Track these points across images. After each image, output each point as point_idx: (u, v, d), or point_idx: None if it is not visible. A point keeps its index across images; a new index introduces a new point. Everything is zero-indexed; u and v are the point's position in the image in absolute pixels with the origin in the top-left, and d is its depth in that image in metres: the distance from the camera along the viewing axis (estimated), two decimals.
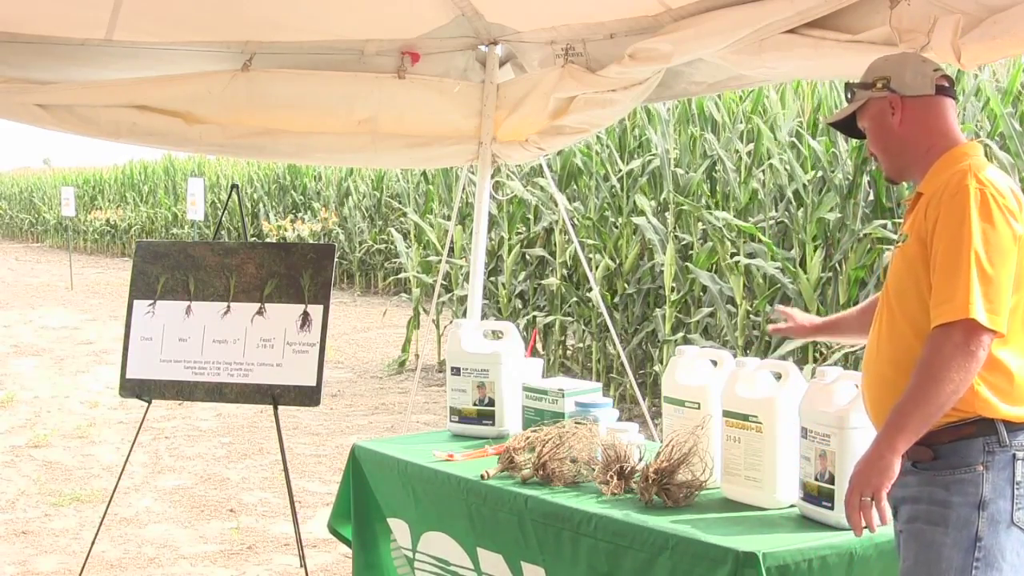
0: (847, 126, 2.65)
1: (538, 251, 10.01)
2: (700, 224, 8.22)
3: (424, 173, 13.07)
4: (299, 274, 4.49)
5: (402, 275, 12.10)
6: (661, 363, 8.06)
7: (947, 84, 2.51)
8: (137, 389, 4.61)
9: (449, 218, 11.05)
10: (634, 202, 8.85)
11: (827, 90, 7.82)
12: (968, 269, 2.25)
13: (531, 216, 10.27)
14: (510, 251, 10.18)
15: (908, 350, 2.36)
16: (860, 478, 2.32)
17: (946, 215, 2.31)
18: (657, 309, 8.47)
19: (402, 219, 13.28)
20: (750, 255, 7.61)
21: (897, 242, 2.49)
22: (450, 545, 3.32)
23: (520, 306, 10.33)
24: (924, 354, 2.28)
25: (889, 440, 2.30)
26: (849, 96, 2.61)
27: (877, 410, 2.45)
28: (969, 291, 2.24)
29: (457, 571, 3.29)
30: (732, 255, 7.66)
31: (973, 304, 2.23)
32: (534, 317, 9.89)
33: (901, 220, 2.77)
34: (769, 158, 7.75)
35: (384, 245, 17.23)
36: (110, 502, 4.80)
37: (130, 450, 4.89)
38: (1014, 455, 2.32)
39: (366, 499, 3.66)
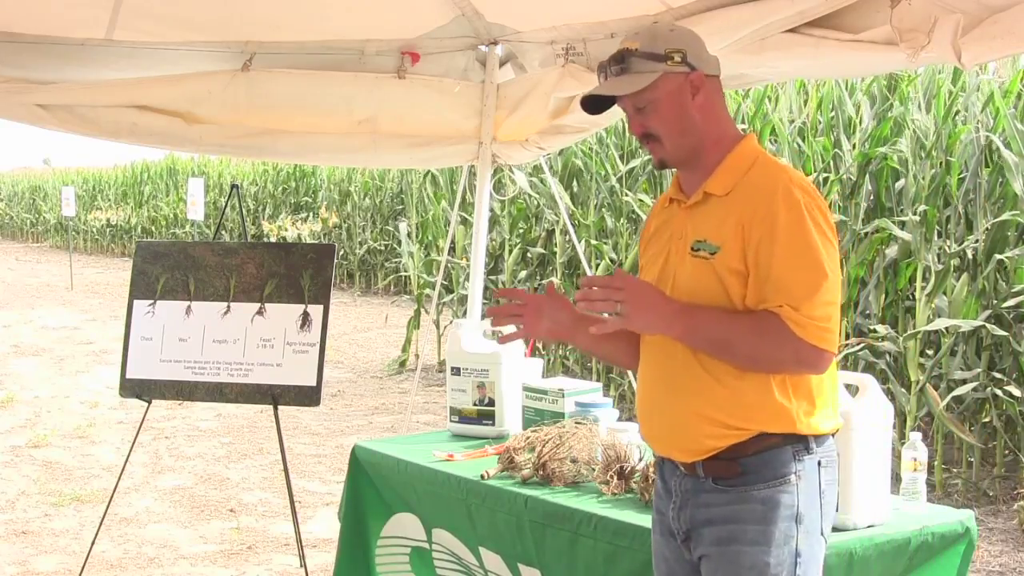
0: (595, 98, 2.33)
1: (539, 250, 10.00)
2: None
3: (430, 172, 13.07)
4: (299, 274, 4.49)
5: (404, 273, 12.10)
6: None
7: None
8: (137, 389, 4.61)
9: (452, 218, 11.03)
10: (633, 202, 8.85)
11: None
12: (834, 299, 2.16)
13: (532, 216, 10.27)
14: (511, 251, 10.18)
15: (707, 361, 2.22)
16: (642, 293, 2.18)
17: (788, 237, 2.14)
18: None
19: (405, 218, 13.28)
20: None
21: (698, 250, 2.23)
22: (456, 543, 3.32)
23: None
24: (776, 338, 2.13)
25: (687, 320, 2.17)
26: (622, 63, 2.24)
27: (677, 436, 2.28)
28: (836, 325, 2.17)
29: (470, 566, 3.29)
30: None
31: (835, 340, 2.18)
32: None
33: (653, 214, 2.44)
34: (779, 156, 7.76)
35: (385, 245, 17.23)
36: (110, 502, 4.80)
37: (130, 450, 4.89)
38: (819, 462, 2.23)
39: (363, 501, 3.66)
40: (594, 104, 2.35)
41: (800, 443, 2.21)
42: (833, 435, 2.30)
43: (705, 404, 2.23)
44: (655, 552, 2.44)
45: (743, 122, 8.21)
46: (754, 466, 2.21)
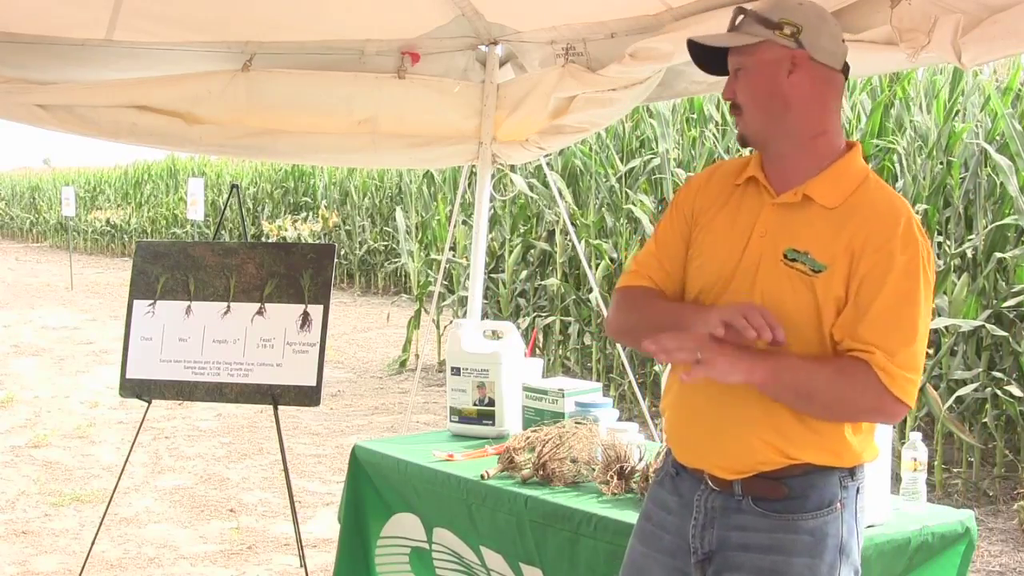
0: (709, 56, 2.21)
1: (542, 245, 9.98)
2: None
3: (428, 172, 13.08)
4: (299, 274, 4.49)
5: (405, 267, 12.10)
6: (661, 363, 8.06)
7: (848, 65, 2.20)
8: (137, 389, 4.61)
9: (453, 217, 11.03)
10: (634, 202, 8.86)
11: None
12: (924, 350, 2.08)
13: (532, 216, 10.27)
14: (511, 251, 10.18)
15: None
16: (711, 348, 2.02)
17: (900, 281, 2.04)
18: None
19: (404, 217, 13.30)
20: None
21: (794, 260, 2.10)
22: (457, 542, 3.32)
23: (520, 306, 10.33)
24: (861, 388, 2.04)
25: (770, 364, 2.03)
26: (735, 21, 2.16)
27: (722, 453, 2.16)
28: (917, 377, 2.07)
29: (472, 565, 3.29)
30: None
31: (916, 393, 2.09)
32: (535, 317, 9.89)
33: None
34: None
35: (385, 245, 17.24)
36: (110, 502, 4.80)
37: (130, 450, 4.89)
38: (858, 488, 2.16)
39: (363, 501, 3.66)
40: (710, 63, 2.23)
41: (846, 470, 2.14)
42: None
43: (770, 430, 2.10)
44: (631, 564, 2.32)
45: None
46: (800, 489, 2.11)
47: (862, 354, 2.04)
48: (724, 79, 2.23)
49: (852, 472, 2.15)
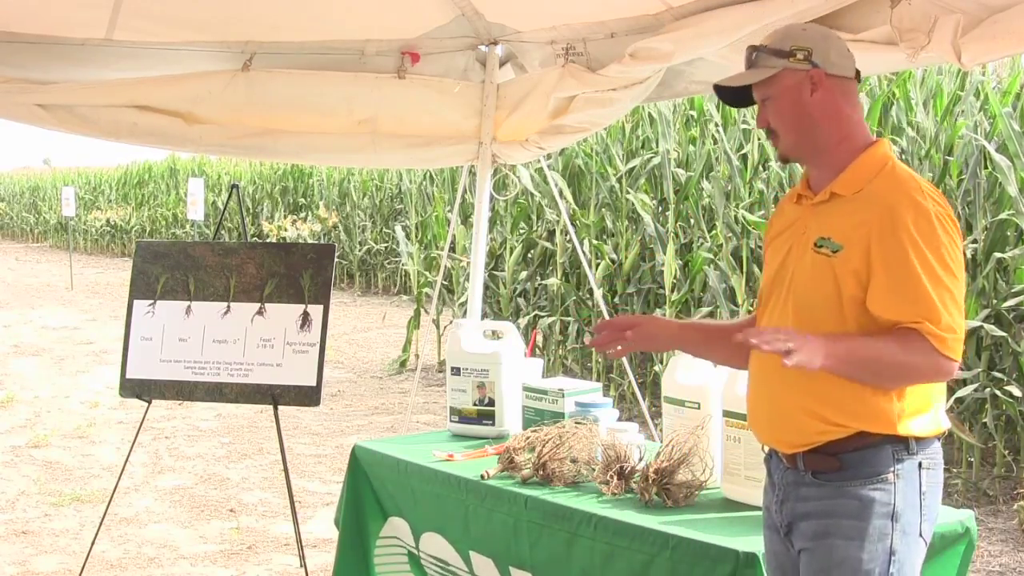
0: (734, 91, 2.43)
1: (542, 245, 9.97)
2: (703, 222, 8.23)
3: (428, 172, 13.07)
4: (299, 274, 4.49)
5: (405, 268, 12.09)
6: (661, 363, 8.06)
7: (859, 70, 2.40)
8: (137, 389, 4.61)
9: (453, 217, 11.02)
10: (634, 201, 8.86)
11: None
12: (962, 303, 2.22)
13: (533, 216, 10.27)
14: (511, 251, 10.17)
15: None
16: (798, 338, 2.12)
17: (920, 247, 2.18)
18: (657, 309, 8.47)
19: (404, 218, 13.30)
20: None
21: (821, 247, 2.28)
22: (445, 547, 3.32)
23: (520, 306, 10.32)
24: (920, 356, 2.18)
25: (833, 354, 2.14)
26: (751, 58, 2.37)
27: (779, 427, 2.35)
28: (962, 333, 2.21)
29: (457, 571, 3.30)
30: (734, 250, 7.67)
31: (960, 348, 2.21)
32: (535, 317, 9.88)
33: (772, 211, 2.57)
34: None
35: (385, 245, 17.23)
36: (110, 502, 4.81)
37: (130, 450, 4.89)
38: (920, 463, 2.27)
39: (363, 500, 3.66)
40: (734, 98, 2.45)
41: (900, 444, 2.25)
42: (939, 438, 2.32)
43: (810, 399, 2.27)
44: (766, 548, 2.47)
45: (745, 121, 8.22)
46: (852, 462, 2.25)
47: (913, 325, 2.18)
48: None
49: (907, 447, 2.25)
